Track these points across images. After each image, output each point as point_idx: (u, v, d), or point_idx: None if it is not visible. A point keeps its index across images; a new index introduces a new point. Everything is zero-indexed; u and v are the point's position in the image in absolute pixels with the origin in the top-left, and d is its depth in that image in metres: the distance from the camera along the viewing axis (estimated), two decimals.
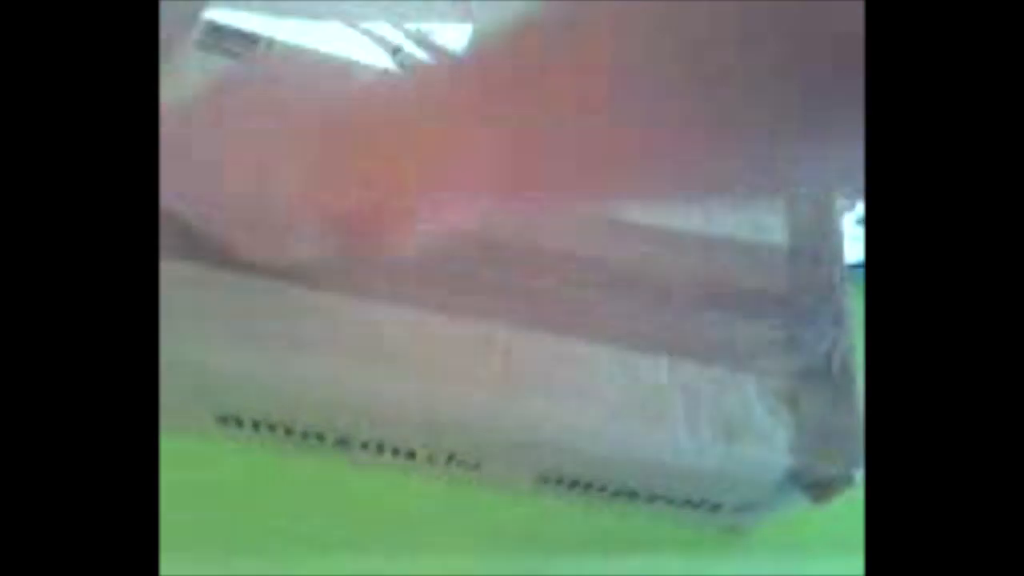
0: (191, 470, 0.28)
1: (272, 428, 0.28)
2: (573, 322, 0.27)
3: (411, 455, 0.29)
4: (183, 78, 0.30)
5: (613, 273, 0.29)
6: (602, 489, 0.29)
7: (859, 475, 0.25)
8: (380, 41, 0.33)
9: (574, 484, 0.29)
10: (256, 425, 0.28)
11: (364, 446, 0.29)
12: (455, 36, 0.33)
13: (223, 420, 0.28)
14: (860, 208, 0.38)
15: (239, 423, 0.28)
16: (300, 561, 0.29)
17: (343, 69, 0.32)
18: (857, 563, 0.33)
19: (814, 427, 0.26)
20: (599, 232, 0.29)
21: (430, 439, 0.28)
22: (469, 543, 0.31)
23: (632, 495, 0.29)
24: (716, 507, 0.29)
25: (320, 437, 0.29)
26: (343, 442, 0.29)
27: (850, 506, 0.25)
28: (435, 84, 0.23)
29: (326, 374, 0.26)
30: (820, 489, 0.26)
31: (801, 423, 0.26)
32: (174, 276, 0.25)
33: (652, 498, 0.29)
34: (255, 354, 0.25)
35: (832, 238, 0.30)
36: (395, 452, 0.29)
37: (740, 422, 0.26)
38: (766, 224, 0.30)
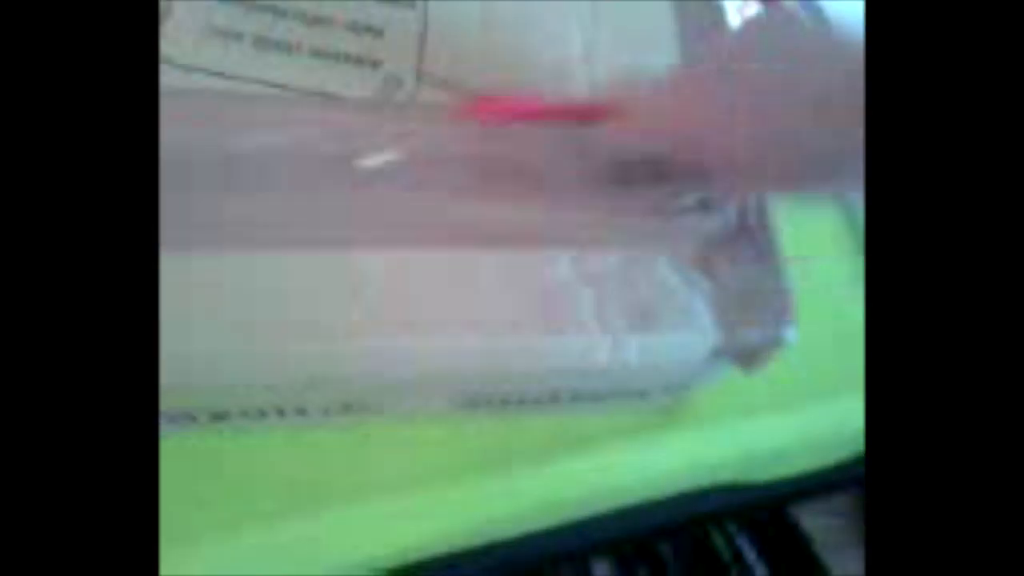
0: None
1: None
2: (456, 231, 0.24)
3: (301, 412, 0.26)
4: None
5: (487, 165, 0.25)
6: (521, 401, 0.26)
7: (790, 335, 0.23)
8: None
9: (489, 403, 0.26)
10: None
11: (244, 414, 0.25)
12: None
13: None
14: None
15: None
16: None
17: None
18: (794, 419, 0.32)
19: (736, 292, 0.24)
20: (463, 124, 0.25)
21: (318, 394, 0.25)
22: (394, 481, 0.28)
23: (554, 399, 0.27)
24: (643, 393, 0.27)
25: (191, 417, 0.25)
26: (219, 416, 0.25)
27: (784, 364, 0.24)
28: None
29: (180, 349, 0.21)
30: (750, 357, 0.24)
31: (722, 291, 0.24)
32: None
33: (576, 398, 0.27)
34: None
35: None
36: (280, 413, 0.25)
37: (656, 304, 0.23)
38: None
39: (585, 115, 0.23)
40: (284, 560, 0.27)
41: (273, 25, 0.26)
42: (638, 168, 0.25)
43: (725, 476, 0.33)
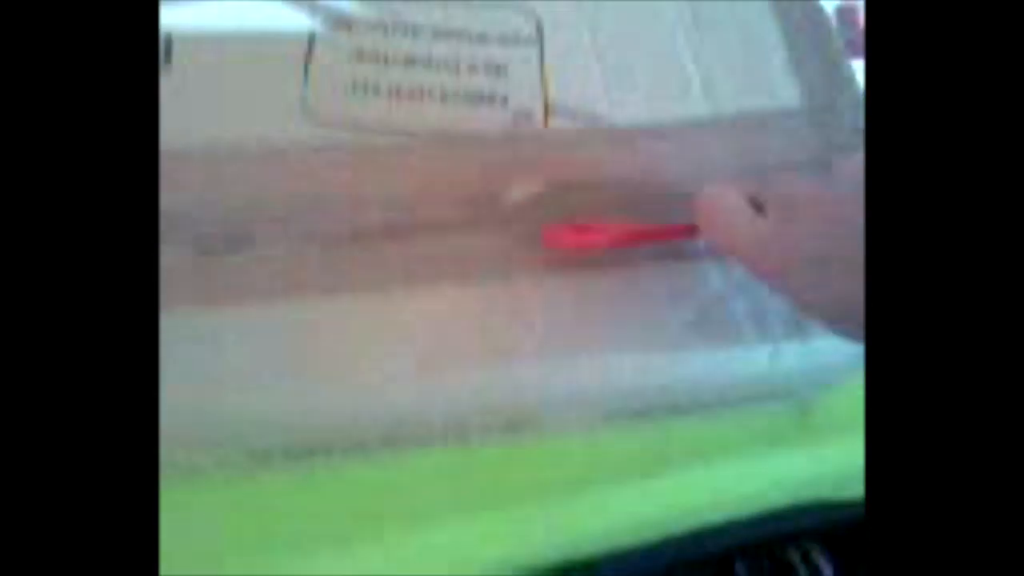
0: None
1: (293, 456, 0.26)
2: (602, 255, 0.25)
3: (462, 437, 0.27)
4: None
5: (628, 184, 0.26)
6: (672, 409, 0.28)
7: None
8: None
9: (638, 414, 0.28)
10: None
11: (416, 438, 0.27)
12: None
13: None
14: None
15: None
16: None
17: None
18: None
19: None
20: (601, 146, 0.27)
21: (484, 415, 0.26)
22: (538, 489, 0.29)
23: (703, 406, 0.28)
24: (790, 394, 0.28)
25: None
26: (389, 441, 0.27)
27: None
28: None
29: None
30: None
31: None
32: None
33: (723, 403, 0.28)
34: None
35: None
36: (444, 438, 0.27)
37: None
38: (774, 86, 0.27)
39: (682, 235, 0.24)
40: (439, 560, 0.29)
41: (405, 74, 0.27)
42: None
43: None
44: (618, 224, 0.25)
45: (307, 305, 0.23)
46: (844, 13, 0.27)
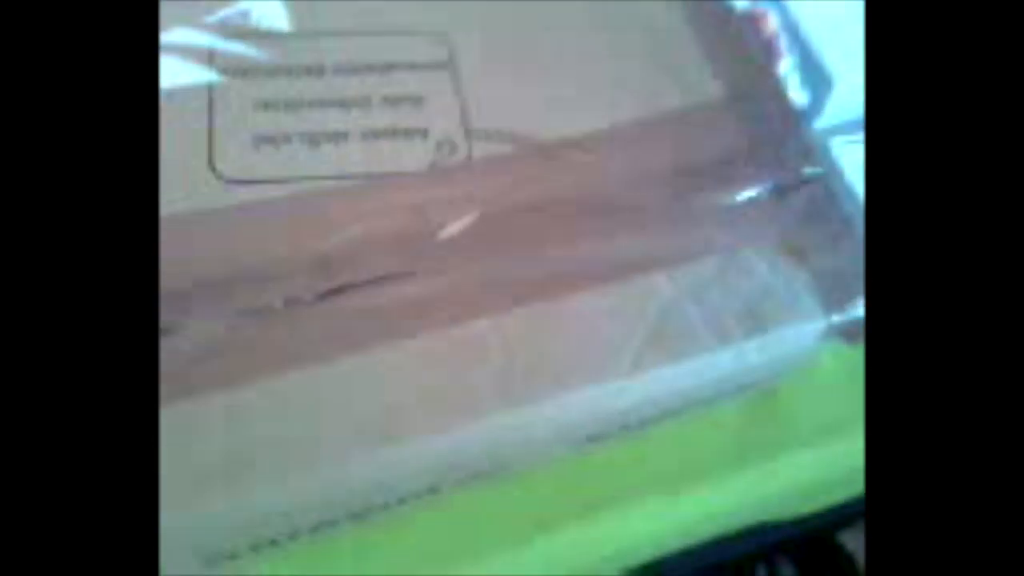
0: None
1: (274, 543, 0.24)
2: (553, 279, 0.24)
3: (434, 490, 0.26)
4: None
5: (563, 202, 0.25)
6: (642, 425, 0.27)
7: None
8: None
9: (620, 432, 0.27)
10: (255, 548, 0.24)
11: (385, 507, 0.25)
12: None
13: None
14: None
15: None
16: None
17: None
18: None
19: (830, 272, 0.25)
20: (528, 166, 0.26)
21: (453, 470, 0.25)
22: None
23: (673, 415, 0.27)
24: (755, 385, 0.28)
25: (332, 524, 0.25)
26: (358, 516, 0.25)
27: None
28: None
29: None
30: (855, 331, 0.25)
31: (817, 274, 0.24)
32: None
33: (690, 406, 0.27)
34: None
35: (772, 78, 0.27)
36: (432, 491, 0.26)
37: (762, 302, 0.24)
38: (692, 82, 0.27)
39: None
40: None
41: (315, 119, 0.25)
42: (705, 172, 0.25)
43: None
44: None
45: (246, 388, 0.21)
46: (750, 18, 0.27)
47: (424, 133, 0.26)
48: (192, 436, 0.21)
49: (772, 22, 0.27)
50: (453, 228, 0.24)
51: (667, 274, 0.24)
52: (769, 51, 0.27)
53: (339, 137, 0.25)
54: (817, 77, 0.27)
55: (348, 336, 0.23)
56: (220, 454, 0.21)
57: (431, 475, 0.24)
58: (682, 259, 0.25)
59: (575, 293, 0.24)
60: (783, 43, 0.27)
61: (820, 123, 0.27)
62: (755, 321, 0.24)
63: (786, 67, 0.27)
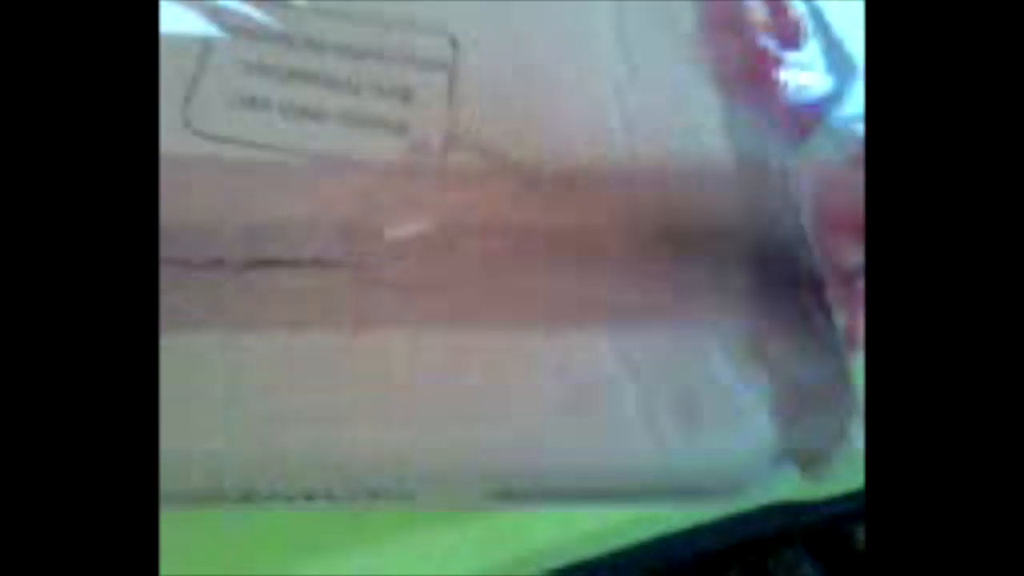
0: None
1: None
2: (490, 306, 0.22)
3: (329, 496, 0.24)
4: None
5: (526, 234, 0.23)
6: (563, 498, 0.24)
7: (856, 437, 0.20)
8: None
9: (528, 497, 0.24)
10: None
11: (269, 498, 0.24)
12: None
13: None
14: None
15: None
16: None
17: None
18: None
19: (795, 387, 0.21)
20: (500, 186, 0.24)
21: (343, 481, 0.23)
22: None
23: (602, 496, 0.24)
24: (701, 494, 0.24)
25: (219, 495, 0.24)
26: (245, 497, 0.24)
27: None
28: None
29: (201, 424, 0.21)
30: (813, 459, 0.21)
31: (780, 385, 0.21)
32: None
33: (624, 497, 0.24)
34: None
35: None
36: (308, 498, 0.24)
37: (705, 397, 0.21)
38: (704, 142, 0.24)
39: None
40: None
41: (301, 91, 0.25)
42: (697, 238, 0.23)
43: None
44: None
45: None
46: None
47: (403, 129, 0.24)
48: None
49: (797, 6, 0.26)
50: (401, 231, 0.23)
51: (610, 336, 0.22)
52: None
53: (319, 115, 0.24)
54: (842, 63, 0.26)
55: (258, 311, 0.22)
56: None
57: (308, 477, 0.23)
58: (634, 319, 0.22)
59: (502, 328, 0.22)
60: (808, 27, 0.26)
61: (845, 111, 0.25)
62: (690, 415, 0.21)
63: (811, 52, 0.26)
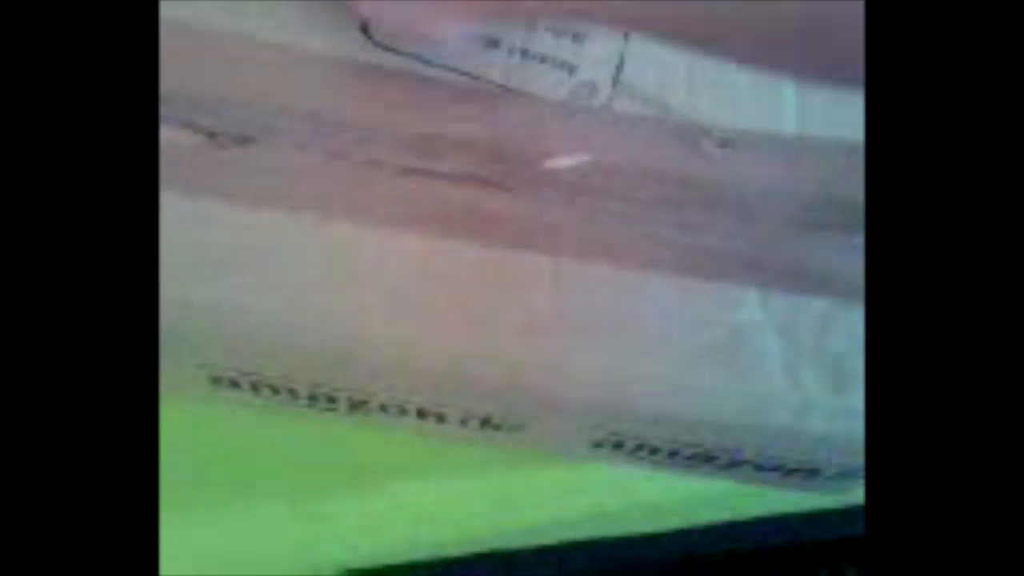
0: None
1: (274, 390, 0.24)
2: (636, 248, 0.22)
3: (440, 418, 0.24)
4: None
5: (682, 185, 0.23)
6: (673, 454, 0.24)
7: None
8: None
9: (639, 448, 0.24)
10: (255, 387, 0.24)
11: (383, 408, 0.24)
12: None
13: (216, 381, 0.24)
14: None
15: (235, 385, 0.24)
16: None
17: None
18: None
19: None
20: (661, 136, 0.24)
21: (460, 399, 0.23)
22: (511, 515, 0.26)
23: (709, 459, 0.24)
24: (813, 472, 0.24)
25: (331, 399, 0.24)
26: (358, 404, 0.24)
27: None
28: None
29: (331, 324, 0.21)
30: None
31: None
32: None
33: (734, 463, 0.24)
34: (246, 300, 0.21)
35: None
36: (421, 414, 0.24)
37: (853, 368, 0.20)
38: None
39: None
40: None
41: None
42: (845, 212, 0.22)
43: None
44: None
45: (293, 218, 0.21)
46: None
47: (572, 68, 0.24)
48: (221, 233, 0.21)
49: None
50: (560, 162, 0.23)
51: (762, 293, 0.21)
52: None
53: (490, 43, 0.25)
54: None
55: (408, 213, 0.22)
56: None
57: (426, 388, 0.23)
58: (787, 285, 0.22)
59: (654, 270, 0.22)
60: None
61: None
62: (836, 382, 0.20)
63: None
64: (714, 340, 0.21)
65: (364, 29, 0.24)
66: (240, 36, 0.23)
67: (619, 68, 0.25)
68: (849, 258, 0.22)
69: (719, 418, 0.21)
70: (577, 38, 0.25)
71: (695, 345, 0.21)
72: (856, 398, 0.20)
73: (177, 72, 0.20)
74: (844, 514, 0.28)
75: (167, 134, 0.21)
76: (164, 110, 0.21)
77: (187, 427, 0.24)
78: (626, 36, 0.25)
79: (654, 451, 0.24)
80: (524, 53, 0.25)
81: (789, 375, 0.20)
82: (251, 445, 0.25)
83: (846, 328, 0.21)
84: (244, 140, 0.22)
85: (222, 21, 0.23)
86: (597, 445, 0.24)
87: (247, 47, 0.23)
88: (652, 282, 0.22)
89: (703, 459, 0.24)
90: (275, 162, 0.22)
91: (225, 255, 0.21)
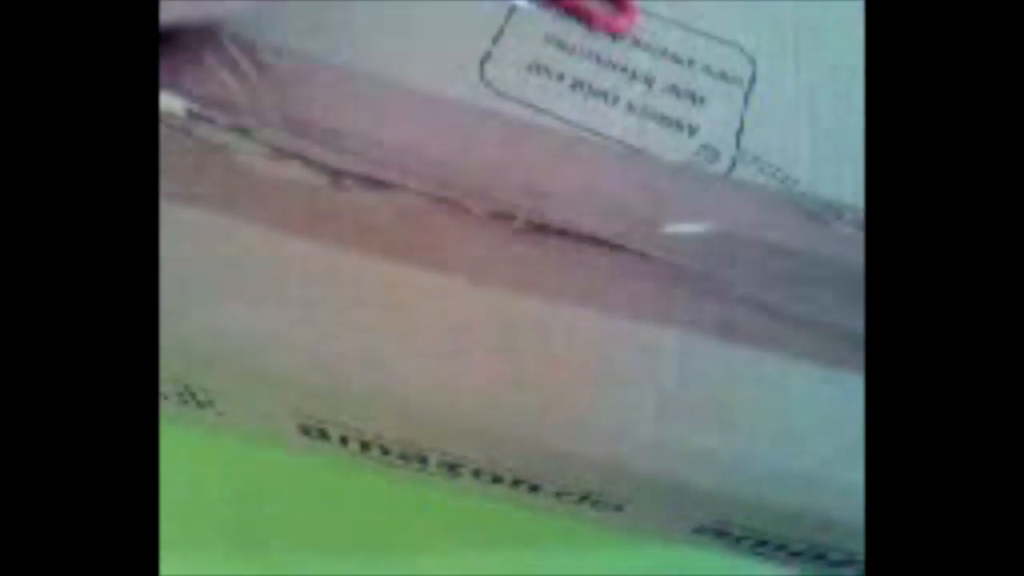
0: None
1: (365, 446, 0.22)
2: (764, 330, 0.21)
3: (534, 488, 0.23)
4: None
5: (815, 266, 0.22)
6: (781, 547, 0.22)
7: None
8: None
9: (742, 538, 0.23)
10: (344, 440, 0.22)
11: (476, 474, 0.23)
12: None
13: (305, 430, 0.22)
14: None
15: (323, 435, 0.22)
16: None
17: None
18: None
19: None
20: (796, 216, 0.23)
21: (562, 472, 0.22)
22: None
23: (820, 556, 0.22)
24: None
25: (422, 460, 0.23)
26: (451, 467, 0.23)
27: None
28: None
29: (444, 383, 0.19)
30: None
31: None
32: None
33: (844, 562, 0.22)
34: (348, 348, 0.19)
35: None
36: (515, 483, 0.23)
37: None
38: None
39: None
40: None
41: (595, 73, 0.24)
42: None
43: None
44: None
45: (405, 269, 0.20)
46: None
47: (693, 130, 0.24)
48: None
49: None
50: (681, 227, 0.22)
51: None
52: None
53: (609, 98, 0.24)
54: None
55: (532, 277, 0.21)
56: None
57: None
58: None
59: (775, 353, 0.20)
60: None
61: None
62: None
63: None
64: (826, 431, 0.19)
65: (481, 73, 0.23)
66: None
67: (739, 133, 0.24)
68: None
69: (824, 516, 0.20)
70: (697, 100, 0.24)
71: (808, 435, 0.19)
72: None
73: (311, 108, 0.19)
74: None
75: (291, 173, 0.20)
76: (291, 145, 0.20)
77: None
78: (746, 98, 0.25)
79: (759, 542, 0.22)
80: (636, 109, 0.24)
81: None
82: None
83: None
84: (369, 183, 0.21)
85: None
86: (698, 532, 0.23)
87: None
88: (778, 366, 0.21)
89: (813, 556, 0.22)
90: (400, 209, 0.21)
91: (343, 304, 0.19)
